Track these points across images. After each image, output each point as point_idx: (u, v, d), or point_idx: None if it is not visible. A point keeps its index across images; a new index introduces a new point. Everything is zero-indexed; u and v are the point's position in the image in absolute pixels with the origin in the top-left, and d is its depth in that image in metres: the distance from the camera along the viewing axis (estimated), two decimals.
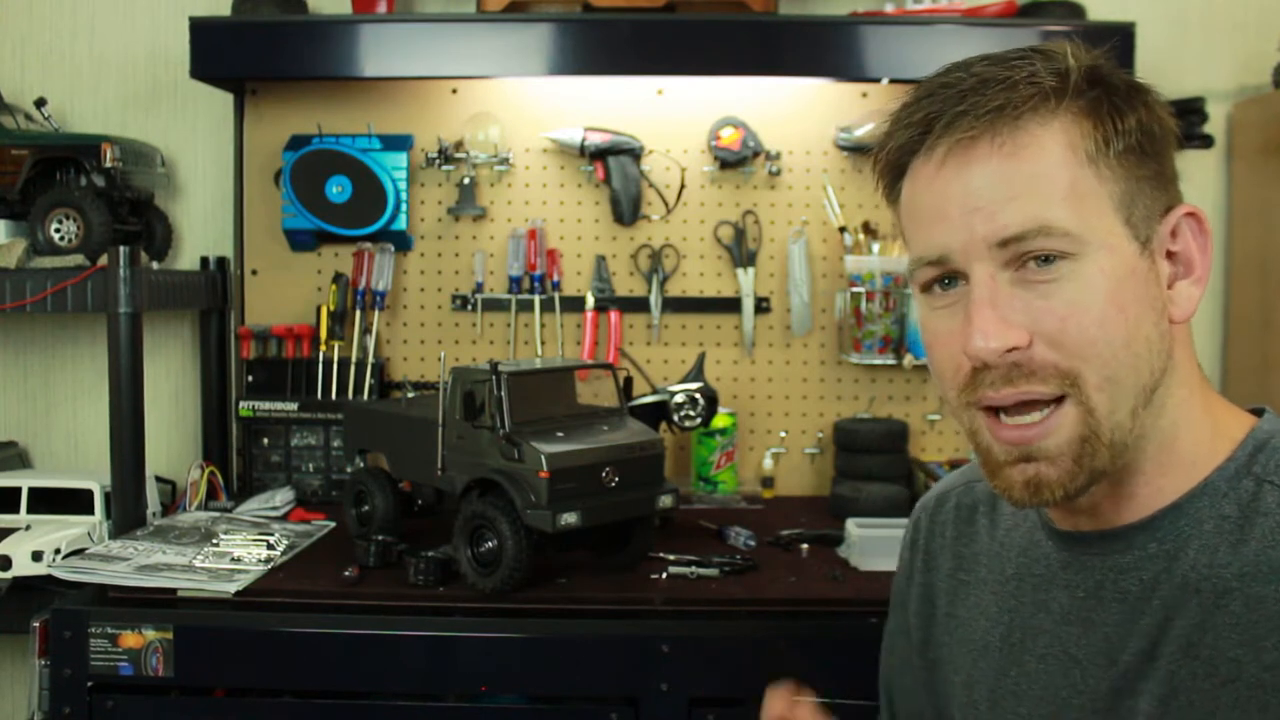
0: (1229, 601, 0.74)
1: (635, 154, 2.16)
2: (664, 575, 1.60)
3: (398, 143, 2.16)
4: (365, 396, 2.14)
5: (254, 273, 2.21)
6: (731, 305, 2.21)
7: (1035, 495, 0.79)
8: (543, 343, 2.19)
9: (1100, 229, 0.76)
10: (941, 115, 0.78)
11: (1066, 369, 0.76)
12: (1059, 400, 0.77)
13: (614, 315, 2.19)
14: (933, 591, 1.00)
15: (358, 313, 2.16)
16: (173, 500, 2.10)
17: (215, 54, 2.00)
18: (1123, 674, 0.79)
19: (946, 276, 0.80)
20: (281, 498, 2.05)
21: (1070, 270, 0.76)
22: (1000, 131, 0.77)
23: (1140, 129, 0.78)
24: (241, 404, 2.14)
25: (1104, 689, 0.80)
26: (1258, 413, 0.85)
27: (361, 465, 1.83)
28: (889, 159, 0.84)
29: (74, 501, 1.87)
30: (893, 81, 2.03)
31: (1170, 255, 0.80)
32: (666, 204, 2.19)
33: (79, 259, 1.87)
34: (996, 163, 0.77)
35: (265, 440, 2.15)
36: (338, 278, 2.16)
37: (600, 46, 1.97)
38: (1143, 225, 0.78)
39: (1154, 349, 0.78)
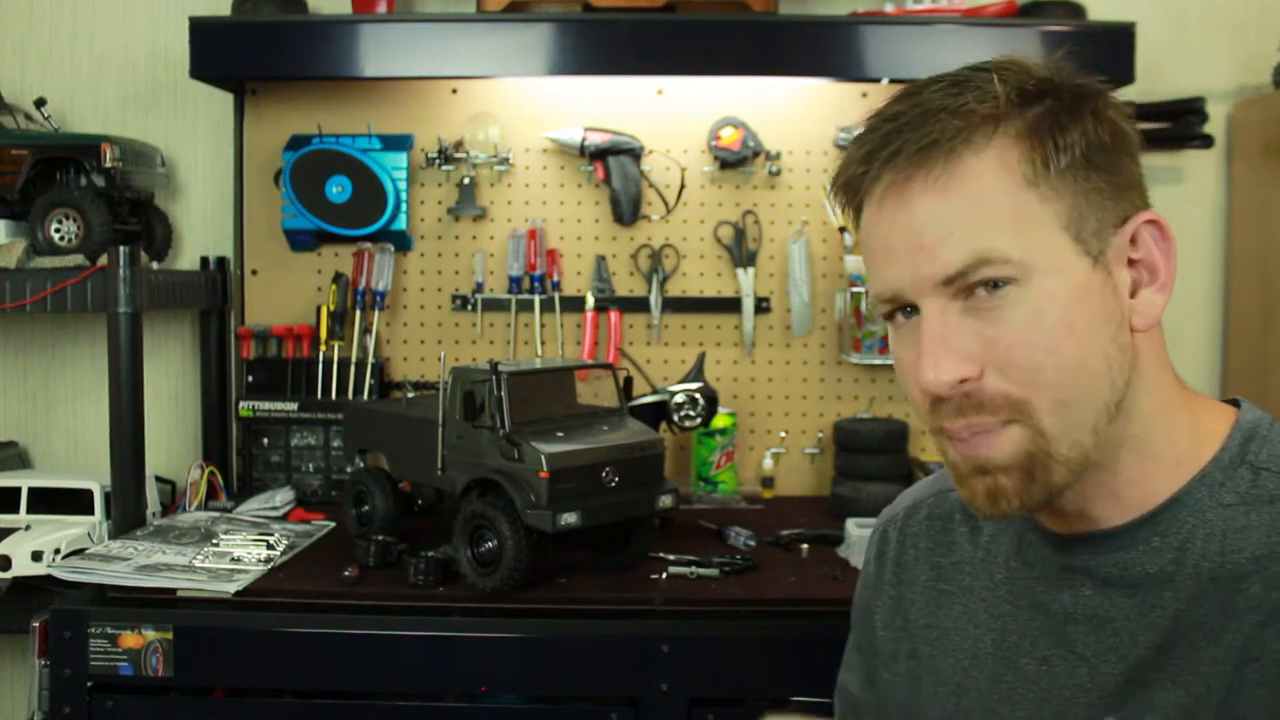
0: (1248, 585, 0.76)
1: (635, 154, 2.16)
2: (664, 575, 1.60)
3: (398, 143, 2.16)
4: (365, 396, 2.14)
5: (254, 273, 2.21)
6: (731, 305, 2.21)
7: (994, 506, 0.80)
8: (543, 343, 2.19)
9: (1046, 251, 0.77)
10: (880, 153, 0.80)
11: (1018, 398, 0.77)
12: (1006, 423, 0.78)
13: (614, 315, 2.19)
14: (905, 604, 0.99)
15: (358, 313, 2.16)
16: (173, 500, 2.10)
17: (215, 54, 2.00)
18: (1134, 666, 0.80)
19: (904, 307, 0.82)
20: (281, 498, 2.05)
21: (1018, 296, 0.76)
22: (933, 167, 0.77)
23: (1085, 143, 0.78)
24: (241, 404, 2.14)
25: (1114, 684, 0.81)
26: (1234, 404, 0.86)
27: (361, 465, 1.83)
28: (842, 194, 0.86)
29: (74, 501, 1.87)
30: (893, 81, 2.02)
31: (1132, 263, 0.81)
32: (666, 204, 2.19)
33: (79, 259, 1.87)
34: (932, 198, 0.78)
35: (265, 440, 2.15)
36: (338, 278, 2.16)
37: (600, 46, 1.97)
38: (1094, 240, 0.78)
39: (1114, 364, 0.78)
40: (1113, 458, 0.81)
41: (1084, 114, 0.79)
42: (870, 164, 0.80)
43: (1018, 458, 0.78)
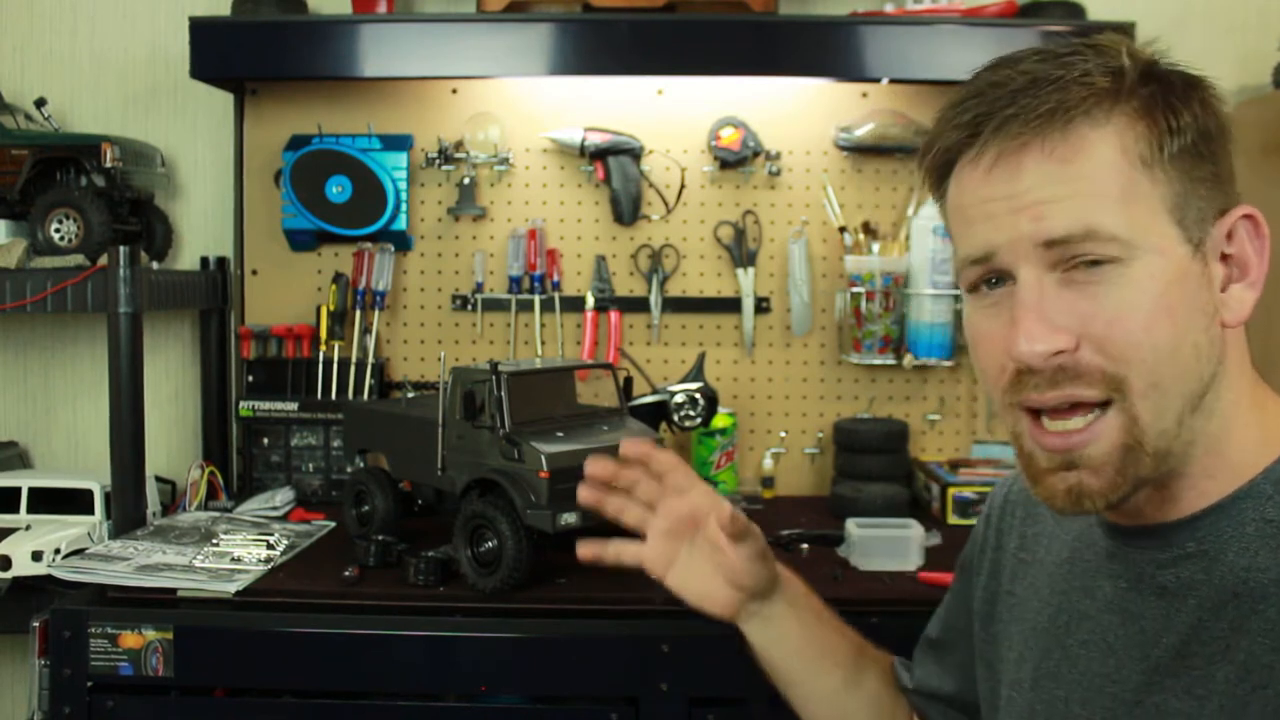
0: (1266, 607, 0.73)
1: (635, 154, 2.16)
2: None
3: (398, 143, 2.16)
4: (365, 396, 2.14)
5: (254, 273, 2.21)
6: (731, 305, 2.20)
7: (1077, 504, 0.78)
8: (543, 343, 2.19)
9: (1151, 233, 0.75)
10: (991, 117, 0.77)
11: (1112, 374, 0.75)
12: (1103, 405, 0.76)
13: (614, 315, 2.19)
14: (999, 568, 1.01)
15: (358, 313, 2.16)
16: (173, 500, 2.10)
17: (215, 54, 2.00)
18: (1154, 668, 0.79)
19: (993, 275, 0.79)
20: (281, 498, 2.05)
21: (1119, 274, 0.74)
22: (1051, 135, 0.75)
23: (1196, 129, 0.77)
24: (241, 404, 2.14)
25: (1135, 681, 0.80)
26: None
27: (361, 465, 1.83)
28: (935, 160, 0.83)
29: (74, 501, 1.87)
30: (893, 81, 2.03)
31: (1225, 258, 0.79)
32: (666, 204, 2.19)
33: (79, 259, 1.87)
34: (1047, 167, 0.75)
35: (265, 440, 2.15)
36: (338, 278, 2.16)
37: (600, 46, 1.97)
38: (1195, 228, 0.77)
39: (1202, 355, 0.76)
40: (1185, 456, 0.78)
41: (1193, 100, 0.78)
42: (979, 129, 0.77)
43: (1114, 452, 0.76)
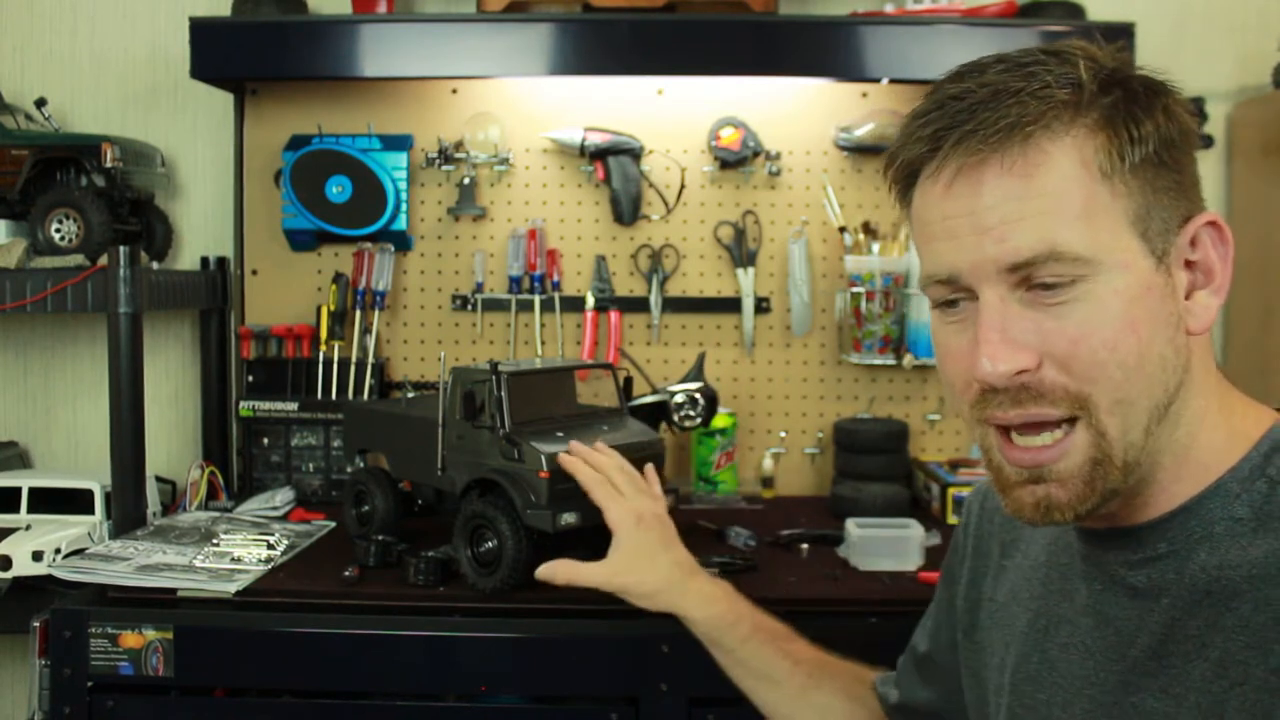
0: (1239, 604, 0.74)
1: (635, 154, 2.16)
2: None
3: (398, 143, 2.16)
4: (365, 396, 2.14)
5: (254, 273, 2.21)
6: (731, 305, 2.21)
7: (1045, 516, 0.78)
8: (543, 343, 2.19)
9: (1114, 247, 0.75)
10: (951, 131, 0.77)
11: (1076, 392, 0.75)
12: (1071, 421, 0.76)
13: (614, 315, 2.19)
14: (980, 577, 1.01)
15: (358, 313, 2.16)
16: (173, 500, 2.11)
17: (215, 54, 2.00)
18: (1130, 669, 0.79)
19: (958, 293, 0.80)
20: (281, 498, 2.05)
21: (1083, 290, 0.75)
22: (1010, 151, 0.75)
23: (1158, 137, 0.76)
24: (241, 404, 2.14)
25: (1112, 682, 0.80)
26: None
27: (361, 465, 1.83)
28: (899, 172, 0.83)
29: (74, 501, 1.87)
30: (893, 81, 2.03)
31: (1189, 264, 0.79)
32: (666, 204, 2.19)
33: (79, 259, 1.87)
34: (1007, 183, 0.75)
35: (265, 440, 2.15)
36: (338, 278, 2.16)
37: (600, 46, 1.97)
38: (1159, 239, 0.77)
39: (1168, 365, 0.77)
40: (1153, 464, 0.79)
41: (1155, 108, 0.77)
42: (939, 143, 0.77)
43: (1083, 466, 0.76)
